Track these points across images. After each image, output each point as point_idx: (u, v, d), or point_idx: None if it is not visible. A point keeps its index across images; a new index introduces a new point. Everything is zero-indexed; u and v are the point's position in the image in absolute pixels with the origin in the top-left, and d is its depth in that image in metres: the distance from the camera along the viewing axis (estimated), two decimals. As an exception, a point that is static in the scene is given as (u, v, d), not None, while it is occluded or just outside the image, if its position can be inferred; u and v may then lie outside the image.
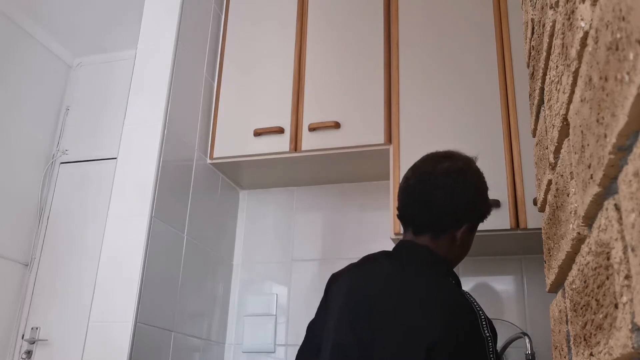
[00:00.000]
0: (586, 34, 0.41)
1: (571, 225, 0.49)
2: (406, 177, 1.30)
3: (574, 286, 0.51)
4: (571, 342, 0.53)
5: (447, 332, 1.03)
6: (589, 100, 0.41)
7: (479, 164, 1.30)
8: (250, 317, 2.13)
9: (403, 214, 1.27)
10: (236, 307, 2.17)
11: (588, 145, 0.41)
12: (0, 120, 2.50)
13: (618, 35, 0.32)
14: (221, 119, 2.08)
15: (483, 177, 1.27)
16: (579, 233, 0.46)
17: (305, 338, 1.29)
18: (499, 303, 1.91)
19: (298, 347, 1.29)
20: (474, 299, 1.11)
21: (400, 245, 1.25)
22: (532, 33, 0.74)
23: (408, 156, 1.81)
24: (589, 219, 0.43)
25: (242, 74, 2.11)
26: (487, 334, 1.05)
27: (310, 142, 1.93)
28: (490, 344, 1.04)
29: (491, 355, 1.03)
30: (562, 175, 0.54)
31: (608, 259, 0.37)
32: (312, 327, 1.29)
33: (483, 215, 1.27)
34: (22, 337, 2.46)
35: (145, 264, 1.65)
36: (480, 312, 1.08)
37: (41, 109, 2.74)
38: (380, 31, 1.99)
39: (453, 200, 1.20)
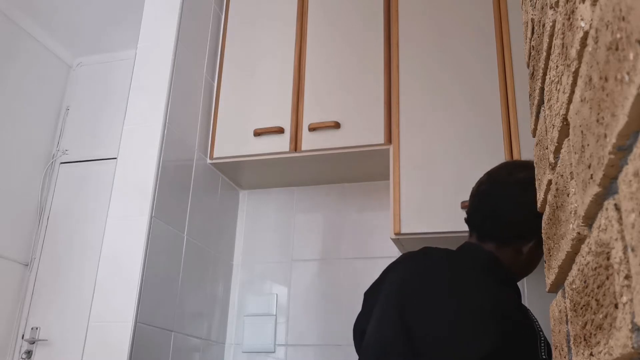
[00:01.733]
0: (586, 34, 0.41)
1: (571, 225, 0.49)
2: (480, 182, 1.25)
3: (574, 286, 0.51)
4: (571, 342, 0.53)
5: (502, 346, 0.98)
6: (589, 100, 0.41)
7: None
8: (250, 317, 2.13)
9: (470, 218, 1.23)
10: (236, 307, 2.17)
11: (588, 145, 0.41)
12: (0, 120, 2.50)
13: (618, 35, 0.32)
14: (221, 119, 2.08)
15: None
16: (579, 233, 0.46)
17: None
18: (499, 303, 1.91)
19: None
20: (536, 318, 1.06)
21: (464, 247, 1.21)
22: (532, 33, 0.74)
23: (408, 156, 1.81)
24: (589, 219, 0.43)
25: (242, 74, 2.11)
26: (544, 357, 0.99)
27: (310, 142, 1.93)
28: None
29: None
30: (562, 175, 0.54)
31: (608, 259, 0.37)
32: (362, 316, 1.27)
33: None
34: (22, 337, 2.47)
35: (145, 264, 1.65)
36: (541, 334, 1.02)
37: (41, 109, 2.74)
38: (380, 31, 1.99)
39: (522, 212, 1.12)
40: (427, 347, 1.04)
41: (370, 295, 1.27)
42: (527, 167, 1.19)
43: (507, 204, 1.17)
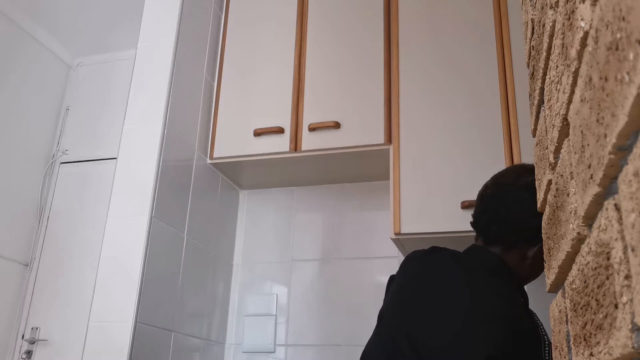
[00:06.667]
0: (586, 34, 0.41)
1: (571, 225, 0.49)
2: (486, 185, 1.25)
3: (574, 286, 0.51)
4: (571, 342, 0.53)
5: (506, 349, 0.98)
6: (589, 100, 0.41)
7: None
8: (250, 317, 2.13)
9: (476, 222, 1.24)
10: (236, 307, 2.17)
11: (588, 145, 0.41)
12: (0, 121, 2.50)
13: (618, 35, 0.32)
14: (221, 119, 2.08)
15: None
16: (579, 233, 0.46)
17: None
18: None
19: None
20: (541, 322, 1.07)
21: (471, 249, 1.21)
22: (532, 33, 0.74)
23: (408, 156, 1.81)
24: (589, 219, 0.43)
25: (242, 74, 2.11)
26: None
27: (310, 142, 1.93)
28: None
29: None
30: (562, 175, 0.54)
31: (608, 259, 0.37)
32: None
33: None
34: (22, 337, 2.47)
35: (145, 264, 1.65)
36: (545, 338, 1.03)
37: (41, 109, 2.74)
38: (380, 31, 1.99)
39: (527, 216, 1.10)
40: (430, 349, 1.04)
41: (389, 283, 1.28)
42: (533, 172, 1.19)
43: (512, 208, 1.17)
